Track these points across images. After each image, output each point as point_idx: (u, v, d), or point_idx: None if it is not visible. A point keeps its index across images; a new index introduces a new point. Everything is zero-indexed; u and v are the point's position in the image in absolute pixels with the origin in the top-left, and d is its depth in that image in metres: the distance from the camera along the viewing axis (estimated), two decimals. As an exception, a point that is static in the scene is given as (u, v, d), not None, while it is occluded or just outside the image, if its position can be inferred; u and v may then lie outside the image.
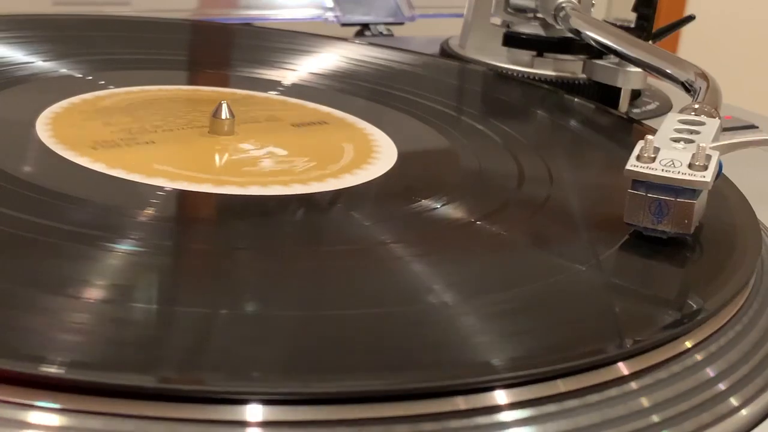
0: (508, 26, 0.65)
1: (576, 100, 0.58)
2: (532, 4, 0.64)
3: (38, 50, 0.54)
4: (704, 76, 0.50)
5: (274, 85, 0.55)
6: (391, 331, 0.30)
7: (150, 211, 0.37)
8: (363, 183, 0.42)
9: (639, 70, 0.58)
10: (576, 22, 0.60)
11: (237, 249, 0.35)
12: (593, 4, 0.64)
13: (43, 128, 0.44)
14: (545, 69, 0.63)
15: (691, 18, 0.69)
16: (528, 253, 0.38)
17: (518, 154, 0.47)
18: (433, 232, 0.38)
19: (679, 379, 0.30)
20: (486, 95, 0.61)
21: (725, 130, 0.45)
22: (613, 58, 0.60)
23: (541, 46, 0.63)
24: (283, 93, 0.54)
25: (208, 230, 0.38)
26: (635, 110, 0.61)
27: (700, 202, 0.37)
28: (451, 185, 0.43)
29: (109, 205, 0.37)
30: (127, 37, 0.60)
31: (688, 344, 0.32)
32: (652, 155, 0.37)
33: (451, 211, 0.40)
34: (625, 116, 0.58)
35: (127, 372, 0.26)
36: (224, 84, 0.55)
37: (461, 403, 0.27)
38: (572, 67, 0.63)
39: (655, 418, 0.29)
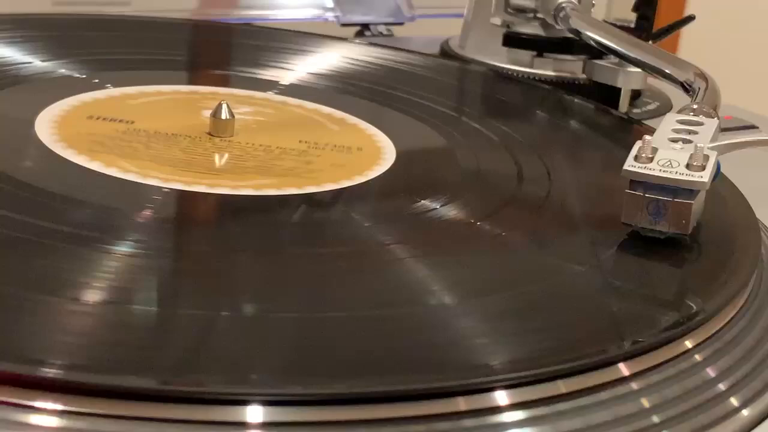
0: (508, 26, 0.65)
1: (576, 100, 0.58)
2: (532, 4, 0.64)
3: (38, 50, 0.54)
4: (703, 76, 0.50)
5: (273, 85, 0.55)
6: (390, 332, 0.30)
7: (149, 212, 0.37)
8: (363, 183, 0.42)
9: (639, 70, 0.58)
10: (576, 23, 0.60)
11: (236, 250, 0.35)
12: (593, 4, 0.64)
13: (43, 128, 0.43)
14: (545, 69, 0.63)
15: (691, 18, 0.69)
16: (527, 253, 0.38)
17: (518, 155, 0.47)
18: (433, 233, 0.38)
19: (680, 379, 0.30)
20: (486, 95, 0.61)
21: (725, 130, 0.45)
22: (613, 58, 0.60)
23: (541, 46, 0.63)
24: (282, 93, 0.54)
25: (207, 231, 0.38)
26: (635, 110, 0.61)
27: (697, 203, 0.37)
28: (450, 185, 0.43)
29: (109, 207, 0.37)
30: (127, 37, 0.60)
31: (689, 344, 0.32)
32: (650, 155, 0.37)
33: (451, 211, 0.40)
34: (625, 116, 0.58)
35: (126, 374, 0.26)
36: (224, 84, 0.55)
37: (462, 403, 0.27)
38: (572, 67, 0.63)
39: (655, 419, 0.29)
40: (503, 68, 0.63)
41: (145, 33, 0.62)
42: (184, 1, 0.78)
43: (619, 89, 0.59)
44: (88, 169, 0.40)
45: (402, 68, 0.60)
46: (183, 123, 0.46)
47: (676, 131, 0.40)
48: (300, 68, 0.59)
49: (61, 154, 0.41)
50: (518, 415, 0.28)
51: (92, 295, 0.30)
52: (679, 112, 0.44)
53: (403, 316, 0.31)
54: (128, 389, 0.25)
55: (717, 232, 0.39)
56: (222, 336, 0.29)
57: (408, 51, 0.64)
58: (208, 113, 0.46)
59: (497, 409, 0.27)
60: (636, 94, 0.62)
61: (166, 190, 0.39)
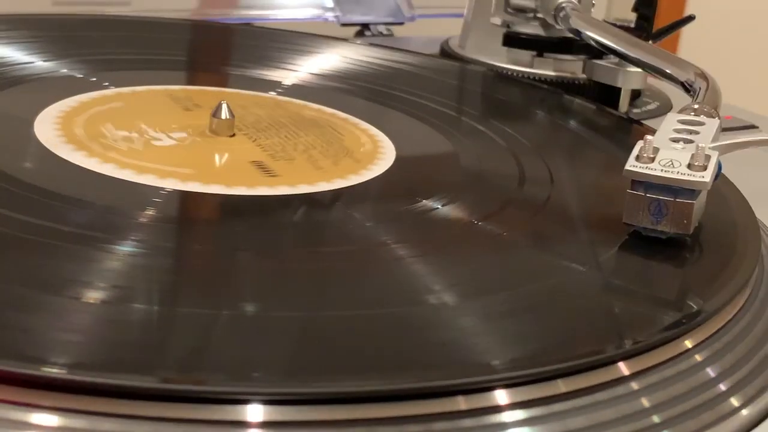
0: (508, 26, 0.65)
1: (576, 100, 0.58)
2: (532, 4, 0.64)
3: (38, 50, 0.54)
4: (704, 76, 0.50)
5: (274, 85, 0.55)
6: (391, 332, 0.30)
7: (150, 211, 0.37)
8: (363, 183, 0.42)
9: (639, 70, 0.58)
10: (576, 22, 0.60)
11: (237, 250, 0.35)
12: (593, 4, 0.64)
13: (43, 128, 0.43)
14: (545, 69, 0.63)
15: (691, 18, 0.69)
16: (528, 253, 0.38)
17: (519, 155, 0.47)
18: (434, 233, 0.38)
19: (680, 379, 0.30)
20: (486, 95, 0.61)
21: (725, 130, 0.45)
22: (613, 58, 0.60)
23: (541, 46, 0.63)
24: (283, 93, 0.54)
25: (208, 231, 0.38)
26: (635, 110, 0.61)
27: (699, 203, 0.37)
28: (451, 185, 0.43)
29: (109, 206, 0.37)
30: (127, 37, 0.60)
31: (688, 344, 0.32)
32: (652, 155, 0.37)
33: (452, 211, 0.40)
34: (625, 116, 0.58)
35: (127, 373, 0.26)
36: (224, 84, 0.55)
37: (462, 403, 0.27)
38: (572, 67, 0.63)
39: (655, 419, 0.29)
40: (503, 68, 0.63)
41: (144, 33, 0.62)
42: (184, 1, 0.78)
43: (619, 89, 0.59)
44: (88, 169, 0.40)
45: (402, 68, 0.60)
46: (183, 123, 0.46)
47: (678, 131, 0.40)
48: (300, 68, 0.59)
49: (61, 154, 0.41)
50: (518, 414, 0.27)
51: (93, 294, 0.30)
52: (680, 111, 0.44)
53: (404, 315, 0.31)
54: (129, 388, 0.25)
55: (717, 232, 0.39)
56: (222, 335, 0.29)
57: (408, 51, 0.64)
58: (208, 113, 0.46)
59: (497, 409, 0.27)
60: (636, 94, 0.62)
61: (167, 189, 0.39)
